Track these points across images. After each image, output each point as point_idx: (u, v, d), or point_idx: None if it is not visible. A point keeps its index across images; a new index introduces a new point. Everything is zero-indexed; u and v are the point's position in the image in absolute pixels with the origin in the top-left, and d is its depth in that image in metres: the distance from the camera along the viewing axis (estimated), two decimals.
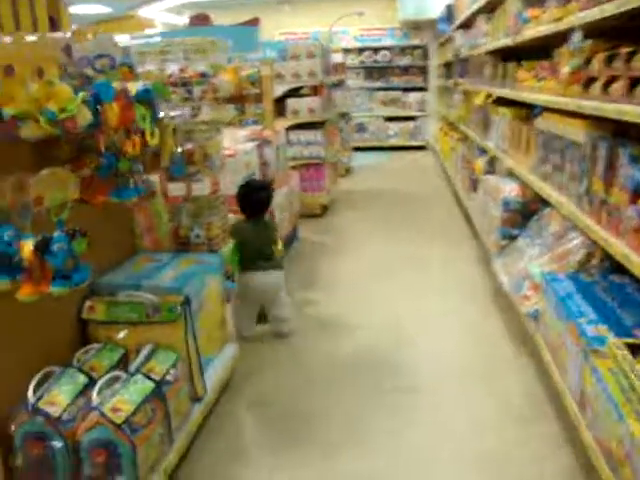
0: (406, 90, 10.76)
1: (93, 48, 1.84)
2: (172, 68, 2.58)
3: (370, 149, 10.67)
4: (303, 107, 5.71)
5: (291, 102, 5.75)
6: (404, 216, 5.92)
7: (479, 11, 5.19)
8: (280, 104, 5.85)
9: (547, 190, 3.02)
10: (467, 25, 6.13)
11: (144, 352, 2.21)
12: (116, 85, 1.84)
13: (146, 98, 2.12)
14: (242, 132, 4.51)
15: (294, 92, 5.92)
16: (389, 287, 4.05)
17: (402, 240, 5.11)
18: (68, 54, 1.81)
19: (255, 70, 5.80)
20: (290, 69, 5.67)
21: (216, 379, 2.64)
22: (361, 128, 10.78)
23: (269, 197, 3.41)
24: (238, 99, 6.08)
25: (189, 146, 2.65)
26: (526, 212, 3.56)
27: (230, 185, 3.63)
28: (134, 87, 2.05)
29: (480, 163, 4.78)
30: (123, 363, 2.25)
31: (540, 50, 3.60)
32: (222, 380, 2.71)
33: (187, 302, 2.34)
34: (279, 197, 4.34)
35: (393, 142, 10.75)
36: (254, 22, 8.40)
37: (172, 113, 2.44)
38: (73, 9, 10.09)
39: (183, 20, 10.38)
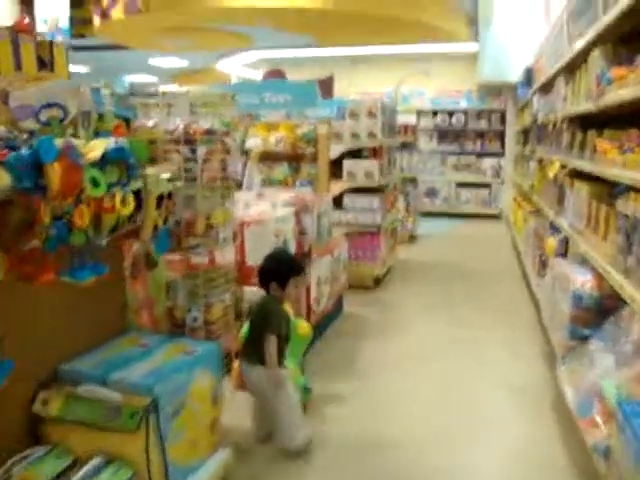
0: (481, 155, 10.22)
1: (39, 96, 1.48)
2: (177, 123, 2.21)
3: (440, 215, 10.13)
4: (360, 170, 5.31)
5: (348, 164, 5.37)
6: (465, 294, 5.32)
7: (559, 72, 4.68)
8: (337, 165, 5.49)
9: (628, 290, 2.42)
10: (546, 89, 5.61)
11: (88, 467, 1.78)
12: (59, 142, 1.47)
13: (119, 158, 1.75)
14: (284, 195, 4.13)
15: (354, 153, 5.54)
16: (434, 382, 3.47)
17: (459, 323, 4.52)
18: (4, 102, 1.47)
19: (311, 128, 5.49)
20: (348, 128, 5.31)
21: None
22: (431, 193, 10.29)
23: (276, 267, 2.79)
24: (293, 158, 5.78)
25: (188, 215, 2.26)
26: (602, 309, 2.95)
27: (257, 256, 3.23)
28: (103, 145, 1.70)
29: (552, 242, 4.17)
30: (68, 475, 1.83)
31: (630, 117, 3.07)
32: None
33: (154, 407, 1.90)
34: (318, 268, 3.90)
35: (465, 209, 10.17)
36: (329, 80, 8.21)
37: (164, 175, 2.06)
38: (151, 61, 10.30)
39: (259, 75, 10.39)
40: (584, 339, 2.96)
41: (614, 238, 2.76)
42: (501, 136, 10.26)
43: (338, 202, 5.47)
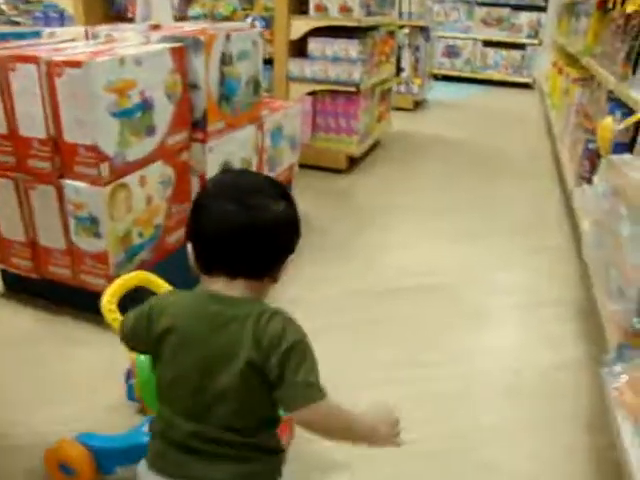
0: (517, 8, 8.20)
1: None
2: None
3: (460, 80, 8.34)
4: (334, 2, 3.62)
5: None
6: (473, 192, 3.82)
7: None
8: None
9: None
10: None
11: None
12: None
13: None
14: (186, 29, 2.56)
15: None
16: (404, 347, 2.12)
17: (458, 239, 3.08)
18: None
19: None
20: None
21: None
22: (452, 52, 8.42)
23: (281, 227, 1.06)
24: None
25: None
26: None
27: (78, 130, 1.78)
28: None
29: (609, 125, 2.60)
30: None
31: None
32: None
33: None
34: (226, 146, 2.41)
35: (490, 74, 8.34)
36: None
37: None
38: None
39: None
40: None
41: None
42: None
43: (302, 48, 3.85)
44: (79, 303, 2.16)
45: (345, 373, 1.95)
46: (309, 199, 3.48)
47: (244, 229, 1.00)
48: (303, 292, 2.46)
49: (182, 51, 2.11)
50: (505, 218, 3.38)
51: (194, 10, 4.03)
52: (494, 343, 2.21)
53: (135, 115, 1.92)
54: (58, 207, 1.94)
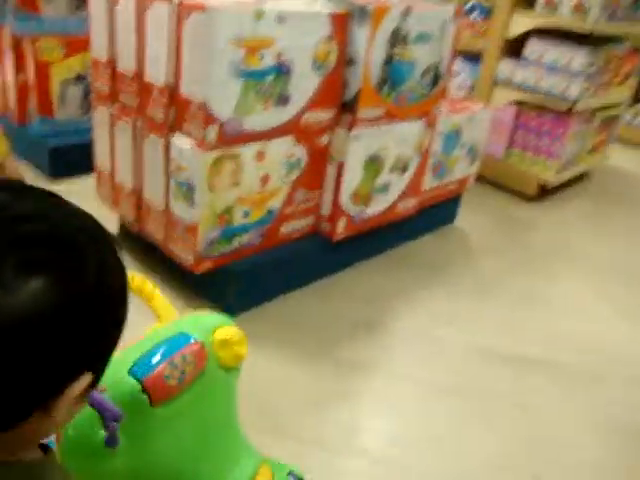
0: None
1: None
2: None
3: None
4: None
5: None
6: None
7: None
8: None
9: None
10: None
11: None
12: None
13: None
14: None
15: None
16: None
17: (637, 319, 2.43)
18: None
19: None
20: None
21: None
22: None
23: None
24: None
25: None
26: None
27: (197, 84, 1.56)
28: None
29: None
30: None
31: None
32: None
33: None
34: (377, 139, 2.06)
35: None
36: None
37: None
38: None
39: None
40: None
41: None
42: None
43: (517, 48, 3.32)
44: (164, 273, 1.99)
45: (436, 459, 1.54)
46: (477, 220, 3.01)
47: None
48: (420, 329, 2.07)
49: (344, 18, 1.79)
50: None
51: None
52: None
53: (265, 79, 1.64)
54: (163, 163, 1.75)
